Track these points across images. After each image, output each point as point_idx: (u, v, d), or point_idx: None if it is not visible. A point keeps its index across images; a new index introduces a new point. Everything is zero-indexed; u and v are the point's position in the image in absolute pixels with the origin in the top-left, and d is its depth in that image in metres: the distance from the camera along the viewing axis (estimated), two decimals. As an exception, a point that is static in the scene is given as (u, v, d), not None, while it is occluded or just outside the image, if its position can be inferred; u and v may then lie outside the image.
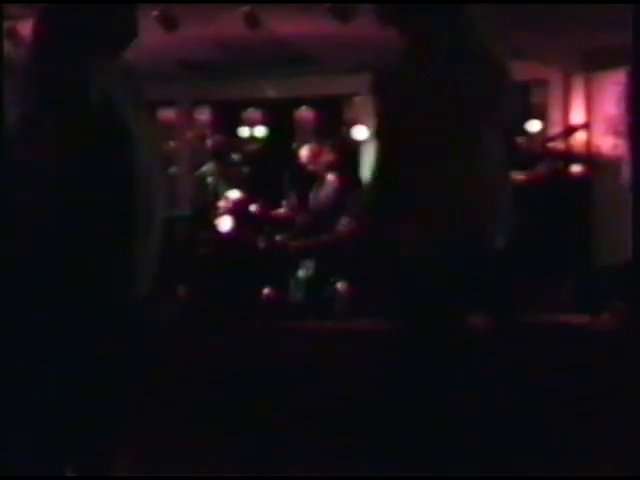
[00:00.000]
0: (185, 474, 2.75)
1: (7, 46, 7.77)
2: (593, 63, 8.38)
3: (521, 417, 2.87)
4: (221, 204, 7.81)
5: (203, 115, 10.53)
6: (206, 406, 3.83)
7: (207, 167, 8.16)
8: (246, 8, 7.56)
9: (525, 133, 8.46)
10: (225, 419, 3.58)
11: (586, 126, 8.57)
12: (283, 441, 3.16)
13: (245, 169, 8.39)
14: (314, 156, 8.02)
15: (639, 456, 2.75)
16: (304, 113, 10.19)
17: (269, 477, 2.73)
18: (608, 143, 8.46)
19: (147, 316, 6.54)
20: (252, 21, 7.65)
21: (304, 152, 8.12)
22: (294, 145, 9.57)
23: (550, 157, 8.25)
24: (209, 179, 8.11)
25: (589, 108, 8.73)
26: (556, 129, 8.75)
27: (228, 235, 7.69)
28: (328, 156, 7.78)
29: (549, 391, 2.98)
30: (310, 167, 8.05)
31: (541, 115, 8.87)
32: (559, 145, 8.58)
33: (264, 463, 2.87)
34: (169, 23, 7.70)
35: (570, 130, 8.57)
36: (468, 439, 2.93)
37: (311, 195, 7.93)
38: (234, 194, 7.89)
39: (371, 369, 4.71)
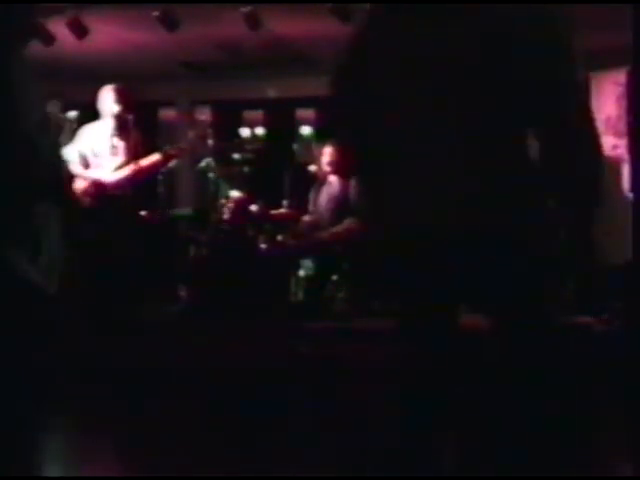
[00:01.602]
0: (185, 474, 2.76)
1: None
2: (593, 63, 8.39)
3: (521, 417, 2.87)
4: (221, 204, 7.81)
5: (203, 115, 10.54)
6: (206, 406, 3.83)
7: (206, 162, 8.12)
8: (247, 9, 7.58)
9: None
10: (225, 419, 3.58)
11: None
12: (283, 441, 3.17)
13: (245, 169, 8.39)
14: (315, 156, 8.03)
15: (639, 456, 2.75)
16: (305, 113, 10.20)
17: (269, 477, 2.73)
18: (608, 143, 8.48)
19: (148, 316, 6.54)
20: (252, 21, 7.67)
21: (316, 152, 8.13)
22: (294, 145, 9.58)
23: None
24: (210, 175, 8.10)
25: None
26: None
27: (228, 235, 7.69)
28: (330, 156, 7.78)
29: (549, 391, 2.99)
30: (311, 167, 8.06)
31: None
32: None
33: (264, 463, 2.87)
34: (170, 23, 7.72)
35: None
36: (468, 439, 2.94)
37: (312, 195, 7.93)
38: (234, 194, 7.90)
39: (371, 368, 4.72)
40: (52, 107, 7.48)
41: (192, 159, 8.95)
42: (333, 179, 7.78)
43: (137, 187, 6.99)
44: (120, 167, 6.82)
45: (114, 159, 6.84)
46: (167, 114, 10.82)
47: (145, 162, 6.88)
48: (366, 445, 3.09)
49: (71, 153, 6.94)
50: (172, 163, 7.50)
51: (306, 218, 7.78)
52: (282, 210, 7.93)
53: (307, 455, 3.02)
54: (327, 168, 7.80)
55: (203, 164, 8.19)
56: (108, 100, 6.82)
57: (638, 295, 3.42)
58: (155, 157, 6.98)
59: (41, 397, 3.37)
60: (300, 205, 7.93)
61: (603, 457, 2.83)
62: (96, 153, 6.88)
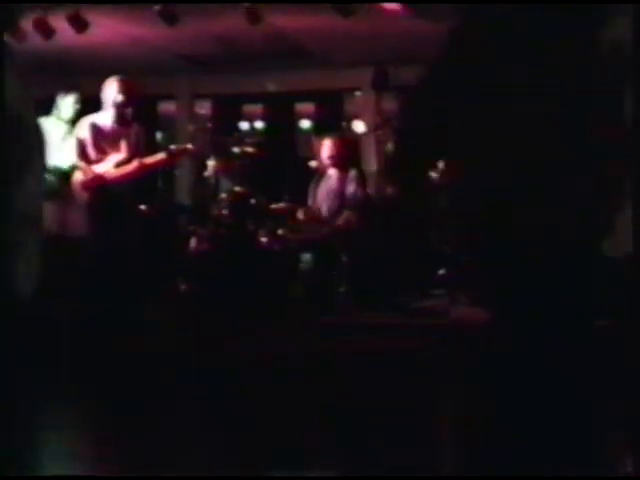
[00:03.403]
0: (185, 474, 2.77)
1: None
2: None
3: (520, 417, 2.88)
4: (221, 198, 7.80)
5: (203, 109, 10.54)
6: (207, 404, 3.84)
7: (209, 169, 8.00)
8: (247, 3, 7.58)
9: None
10: (225, 419, 3.59)
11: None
12: (283, 441, 3.17)
13: (245, 163, 8.37)
14: (315, 150, 8.03)
15: (639, 456, 2.76)
16: (304, 107, 10.21)
17: (269, 477, 2.74)
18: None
19: (147, 314, 6.51)
20: (253, 16, 7.67)
21: (315, 145, 8.12)
22: (294, 139, 9.59)
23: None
24: (211, 175, 8.07)
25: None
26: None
27: (229, 229, 7.69)
28: (329, 150, 7.77)
29: (548, 391, 3.00)
30: (311, 161, 8.06)
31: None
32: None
33: (264, 463, 2.88)
34: (170, 18, 7.72)
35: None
36: (468, 438, 2.94)
37: (311, 189, 7.93)
38: (234, 188, 7.88)
39: (373, 365, 4.73)
40: (69, 99, 7.56)
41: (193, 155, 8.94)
42: (332, 172, 7.78)
43: (136, 181, 6.99)
44: (123, 163, 6.81)
45: (116, 153, 6.83)
46: (167, 108, 10.82)
47: (149, 160, 6.89)
48: (369, 440, 3.10)
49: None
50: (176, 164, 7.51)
51: (299, 214, 7.74)
52: (282, 204, 7.91)
53: (308, 454, 3.02)
54: (326, 161, 7.80)
55: (209, 171, 8.04)
56: (112, 91, 6.81)
57: (638, 295, 3.42)
58: (160, 156, 6.99)
59: (40, 396, 3.38)
60: (300, 199, 7.92)
61: (603, 457, 2.84)
62: (98, 145, 6.88)
